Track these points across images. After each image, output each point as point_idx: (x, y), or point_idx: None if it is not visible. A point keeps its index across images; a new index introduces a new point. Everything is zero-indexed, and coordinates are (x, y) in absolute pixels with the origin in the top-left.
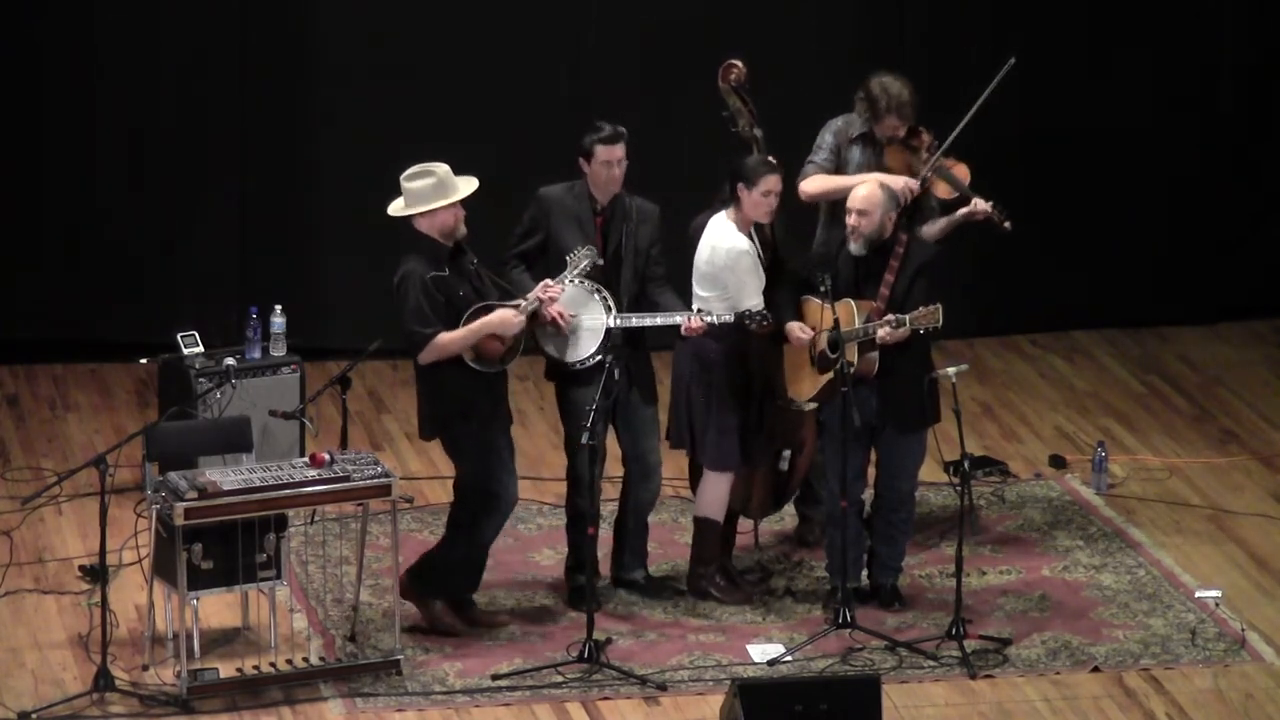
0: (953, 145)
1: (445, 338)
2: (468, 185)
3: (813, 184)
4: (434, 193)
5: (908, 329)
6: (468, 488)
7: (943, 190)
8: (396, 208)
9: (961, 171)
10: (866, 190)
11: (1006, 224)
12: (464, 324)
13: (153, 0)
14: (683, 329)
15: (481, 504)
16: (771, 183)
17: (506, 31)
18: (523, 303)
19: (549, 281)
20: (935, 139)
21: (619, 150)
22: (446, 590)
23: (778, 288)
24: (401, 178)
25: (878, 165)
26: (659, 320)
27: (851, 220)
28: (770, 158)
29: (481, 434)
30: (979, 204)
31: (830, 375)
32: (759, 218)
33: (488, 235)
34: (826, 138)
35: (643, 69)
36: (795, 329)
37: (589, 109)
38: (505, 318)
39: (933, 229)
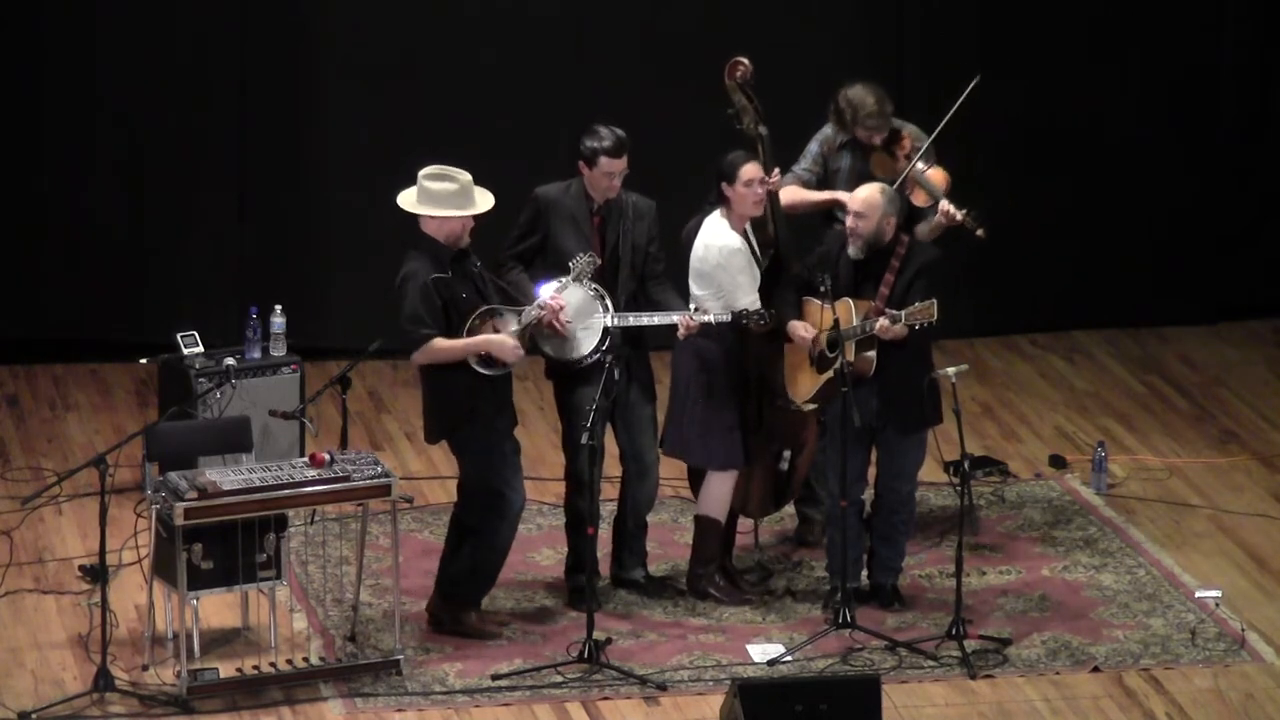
0: (944, 147)
1: (441, 343)
2: (485, 200)
3: (785, 195)
4: (452, 200)
5: (904, 324)
6: (475, 490)
7: (920, 198)
8: (408, 201)
9: (937, 176)
10: (865, 193)
11: (979, 232)
12: (468, 325)
13: (154, 0)
14: (679, 332)
15: (490, 505)
16: (751, 171)
17: (506, 31)
18: (526, 310)
19: (553, 295)
20: (916, 143)
21: (622, 162)
22: (472, 597)
23: (780, 288)
24: (421, 174)
25: (865, 170)
26: (656, 319)
27: (850, 222)
28: (753, 155)
29: (487, 436)
30: (946, 208)
31: (829, 375)
32: (750, 210)
33: (486, 236)
34: (812, 147)
35: (645, 66)
36: (799, 328)
37: (590, 108)
38: (505, 345)
39: (923, 229)
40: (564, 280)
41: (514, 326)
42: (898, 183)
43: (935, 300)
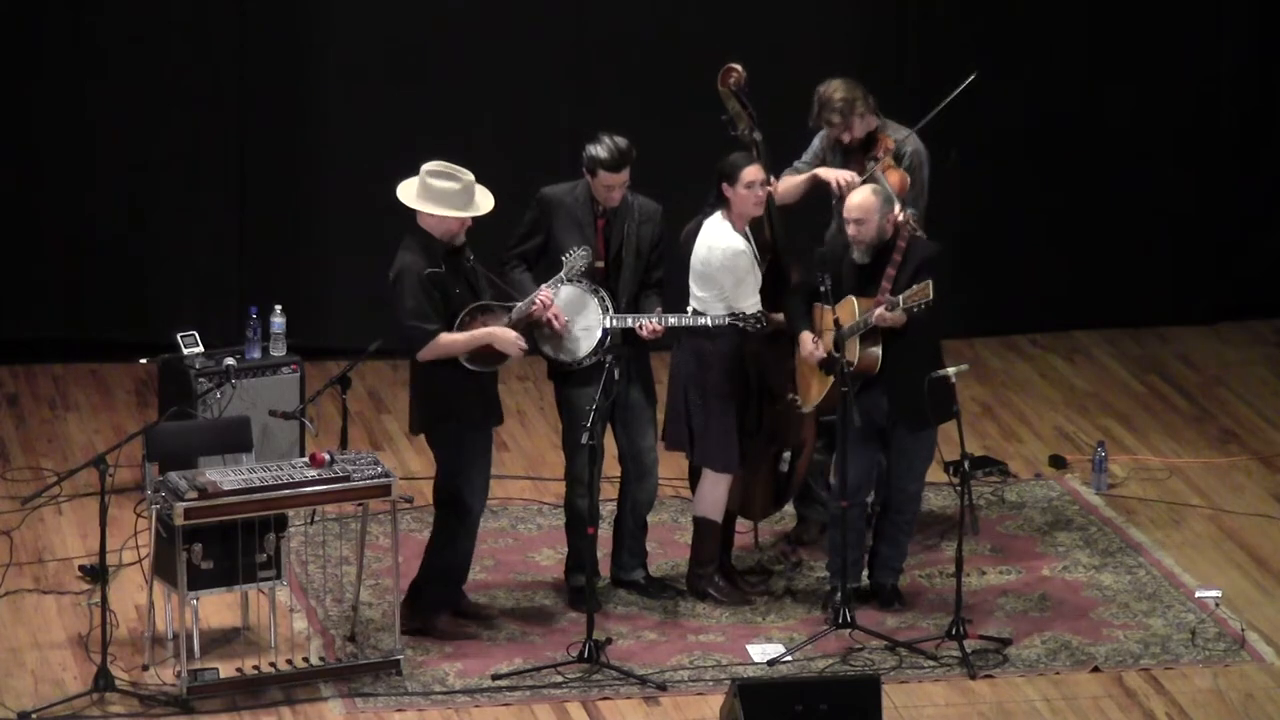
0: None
1: (446, 338)
2: (486, 202)
3: (779, 185)
4: (454, 199)
5: (902, 309)
6: (438, 486)
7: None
8: (408, 195)
9: (894, 178)
10: (859, 198)
11: (919, 234)
12: (459, 323)
13: (154, 1)
14: (641, 331)
15: (448, 504)
16: (752, 173)
17: (508, 30)
18: (517, 305)
19: (543, 289)
20: (894, 146)
21: (622, 175)
22: (445, 602)
23: (789, 297)
24: (425, 169)
25: (851, 166)
26: (655, 321)
27: (851, 230)
28: (755, 157)
29: (459, 434)
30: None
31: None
32: (750, 211)
33: (489, 235)
34: (815, 143)
35: (646, 66)
36: (807, 341)
37: (591, 108)
38: (507, 338)
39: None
40: (560, 276)
41: (505, 322)
42: (861, 182)
43: (930, 281)
